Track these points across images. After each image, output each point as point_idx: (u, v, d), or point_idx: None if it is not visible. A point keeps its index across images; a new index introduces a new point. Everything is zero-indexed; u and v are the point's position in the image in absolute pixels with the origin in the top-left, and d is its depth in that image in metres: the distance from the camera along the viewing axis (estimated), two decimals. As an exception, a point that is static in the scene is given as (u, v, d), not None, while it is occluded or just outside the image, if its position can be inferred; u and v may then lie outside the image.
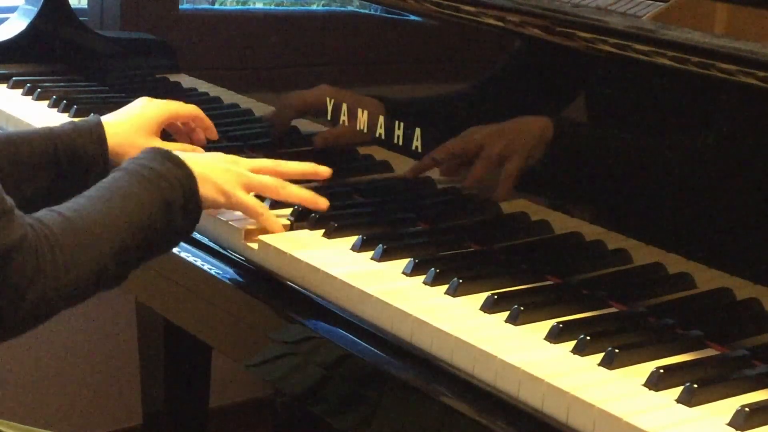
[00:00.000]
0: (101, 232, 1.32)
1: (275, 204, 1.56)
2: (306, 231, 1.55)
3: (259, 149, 1.85)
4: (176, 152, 1.46)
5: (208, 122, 1.76)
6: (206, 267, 1.54)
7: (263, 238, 1.50)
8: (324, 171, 1.60)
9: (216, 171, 1.48)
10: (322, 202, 1.55)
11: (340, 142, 1.75)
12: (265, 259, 1.50)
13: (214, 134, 1.77)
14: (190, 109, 1.74)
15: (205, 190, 1.45)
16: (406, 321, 1.31)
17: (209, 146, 1.74)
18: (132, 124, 1.67)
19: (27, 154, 1.56)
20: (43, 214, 1.31)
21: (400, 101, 1.68)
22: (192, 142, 1.74)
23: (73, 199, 1.36)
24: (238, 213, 1.53)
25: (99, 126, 1.62)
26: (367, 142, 1.70)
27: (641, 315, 1.34)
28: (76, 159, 1.59)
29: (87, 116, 1.96)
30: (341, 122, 1.72)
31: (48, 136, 1.60)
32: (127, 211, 1.35)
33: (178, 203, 1.40)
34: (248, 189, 1.52)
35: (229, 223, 1.54)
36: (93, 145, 1.60)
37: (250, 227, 1.52)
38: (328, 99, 1.75)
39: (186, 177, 1.42)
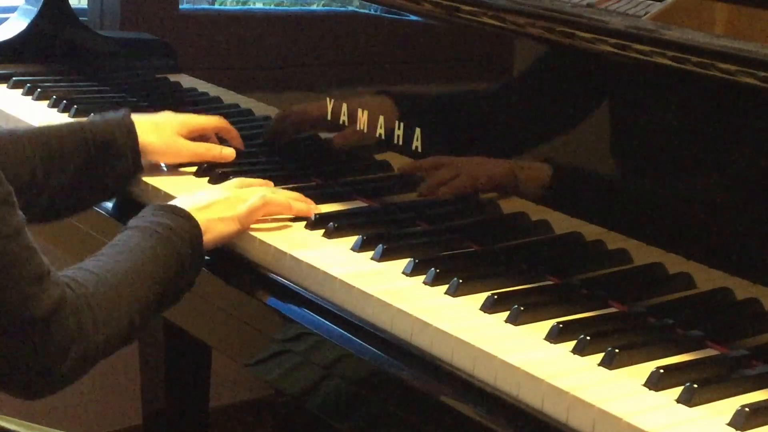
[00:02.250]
0: (128, 288, 1.36)
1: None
2: (306, 231, 1.55)
3: (260, 149, 1.85)
4: (181, 201, 1.51)
5: (234, 132, 1.80)
6: (206, 267, 1.54)
7: (263, 238, 1.50)
8: (311, 203, 1.62)
9: (218, 206, 1.51)
10: (314, 209, 1.59)
11: (351, 143, 1.75)
12: (265, 259, 1.50)
13: (240, 144, 1.80)
14: (213, 121, 1.79)
15: (214, 232, 1.49)
16: (406, 321, 1.31)
17: None
18: (159, 122, 1.71)
19: (58, 145, 1.60)
20: (74, 272, 1.34)
21: (399, 101, 1.68)
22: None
23: (92, 256, 1.39)
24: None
25: (128, 118, 1.66)
26: (372, 144, 1.70)
27: (641, 315, 1.34)
28: (106, 149, 1.62)
29: (87, 116, 1.97)
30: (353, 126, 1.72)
31: (78, 127, 1.63)
32: (147, 266, 1.39)
33: (186, 255, 1.44)
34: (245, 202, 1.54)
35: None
36: (123, 136, 1.64)
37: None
38: (327, 101, 1.75)
39: (193, 228, 1.46)
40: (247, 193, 1.56)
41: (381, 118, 1.66)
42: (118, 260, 1.38)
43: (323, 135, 1.80)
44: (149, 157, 1.70)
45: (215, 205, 1.51)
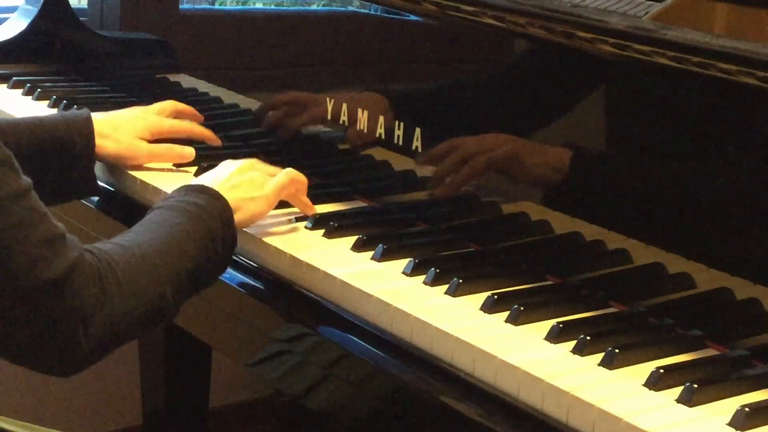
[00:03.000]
0: (157, 258, 1.31)
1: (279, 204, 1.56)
2: (306, 231, 1.55)
3: (260, 149, 1.85)
4: (207, 179, 1.48)
5: (208, 133, 1.78)
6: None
7: (263, 237, 1.50)
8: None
9: (246, 185, 1.48)
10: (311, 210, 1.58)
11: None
12: (265, 259, 1.50)
13: (216, 140, 1.78)
14: (185, 127, 1.75)
15: (244, 212, 1.46)
16: (406, 321, 1.31)
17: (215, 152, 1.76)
18: (119, 123, 1.67)
19: (14, 143, 1.55)
20: (99, 244, 1.29)
21: (399, 101, 1.68)
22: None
23: (121, 233, 1.35)
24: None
25: (87, 120, 1.63)
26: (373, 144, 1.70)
27: (641, 315, 1.34)
28: (63, 151, 1.59)
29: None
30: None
31: (37, 126, 1.59)
32: (177, 241, 1.35)
33: (218, 234, 1.40)
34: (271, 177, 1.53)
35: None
36: (81, 138, 1.61)
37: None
38: (328, 100, 1.75)
39: (223, 208, 1.42)
40: (270, 171, 1.54)
41: (381, 118, 1.66)
42: (146, 235, 1.34)
43: (323, 134, 1.80)
44: (105, 161, 1.67)
45: (243, 185, 1.48)
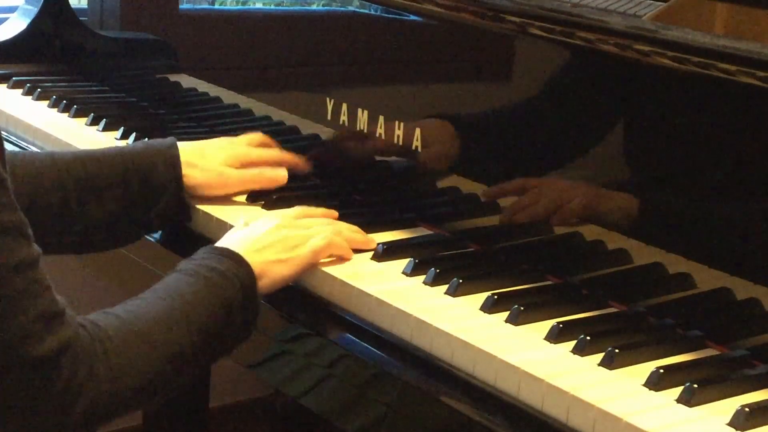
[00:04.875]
0: (159, 335, 1.26)
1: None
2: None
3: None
4: (234, 240, 1.40)
5: (297, 160, 1.68)
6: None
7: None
8: (371, 241, 1.50)
9: (273, 247, 1.40)
10: (371, 243, 1.49)
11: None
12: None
13: (305, 166, 1.69)
14: (269, 156, 1.66)
15: (271, 276, 1.38)
16: (406, 321, 1.31)
17: None
18: (207, 153, 1.60)
19: (95, 174, 1.51)
20: (97, 316, 1.25)
21: (399, 101, 1.68)
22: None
23: (130, 299, 1.29)
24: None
25: (173, 148, 1.56)
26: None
27: (641, 315, 1.34)
28: (148, 182, 1.53)
29: (87, 116, 1.97)
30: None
31: (118, 155, 1.54)
32: (187, 313, 1.28)
33: (237, 303, 1.33)
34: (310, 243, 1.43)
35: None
36: (166, 168, 1.54)
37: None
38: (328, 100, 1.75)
39: (246, 275, 1.34)
40: (308, 230, 1.44)
41: (381, 118, 1.66)
42: (152, 305, 1.28)
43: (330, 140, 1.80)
44: (194, 192, 1.58)
45: (273, 246, 1.39)
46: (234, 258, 1.35)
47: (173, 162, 1.55)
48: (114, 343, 1.22)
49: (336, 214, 1.53)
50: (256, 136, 1.69)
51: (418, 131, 1.61)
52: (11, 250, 1.15)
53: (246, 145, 1.67)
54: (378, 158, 1.70)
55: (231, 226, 1.49)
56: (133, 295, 1.31)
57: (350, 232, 1.48)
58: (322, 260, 1.44)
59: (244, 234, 1.42)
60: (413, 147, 1.61)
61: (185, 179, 1.55)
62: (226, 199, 1.62)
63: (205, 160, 1.59)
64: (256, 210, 1.60)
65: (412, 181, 1.65)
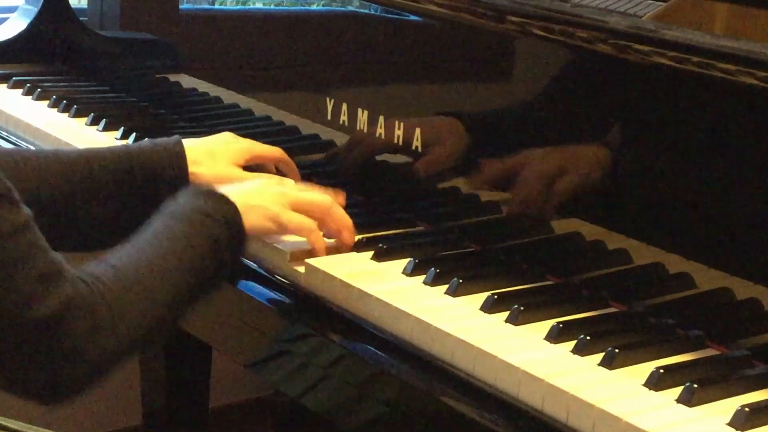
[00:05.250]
0: (154, 280, 1.28)
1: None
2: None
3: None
4: (220, 187, 1.42)
5: (292, 165, 1.68)
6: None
7: (263, 238, 1.50)
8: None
9: (261, 196, 1.44)
10: (352, 239, 1.50)
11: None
12: (264, 259, 1.50)
13: (297, 177, 1.67)
14: (274, 152, 1.67)
15: (252, 219, 1.41)
16: (406, 321, 1.31)
17: None
18: (214, 150, 1.60)
19: (100, 172, 1.51)
20: (94, 267, 1.26)
21: (399, 101, 1.68)
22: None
23: (119, 246, 1.31)
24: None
25: (179, 146, 1.56)
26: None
27: (641, 315, 1.34)
28: (154, 180, 1.53)
29: (87, 116, 1.97)
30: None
31: (124, 153, 1.54)
32: (178, 255, 1.31)
33: (224, 239, 1.36)
34: (296, 208, 1.46)
35: None
36: (172, 167, 1.54)
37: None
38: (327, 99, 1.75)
39: (231, 212, 1.38)
40: (301, 196, 1.47)
41: (381, 118, 1.66)
42: (144, 250, 1.30)
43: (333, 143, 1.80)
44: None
45: (262, 195, 1.44)
46: (216, 197, 1.38)
47: (179, 160, 1.55)
48: (114, 293, 1.24)
49: (343, 194, 1.53)
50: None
51: (418, 131, 1.61)
52: (3, 218, 1.17)
53: (250, 142, 1.67)
54: (378, 158, 1.70)
55: None
56: None
57: (341, 214, 1.49)
58: (321, 260, 1.44)
59: (232, 185, 1.45)
60: (413, 147, 1.61)
61: (191, 177, 1.56)
62: None
63: (213, 158, 1.59)
64: None
65: (412, 181, 1.65)
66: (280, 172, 1.67)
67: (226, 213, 1.37)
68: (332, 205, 1.48)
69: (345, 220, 1.49)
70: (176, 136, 1.59)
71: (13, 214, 1.18)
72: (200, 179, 1.56)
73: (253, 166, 1.64)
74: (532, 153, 1.52)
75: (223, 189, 1.41)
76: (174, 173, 1.54)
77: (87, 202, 1.50)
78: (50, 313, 1.18)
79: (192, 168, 1.56)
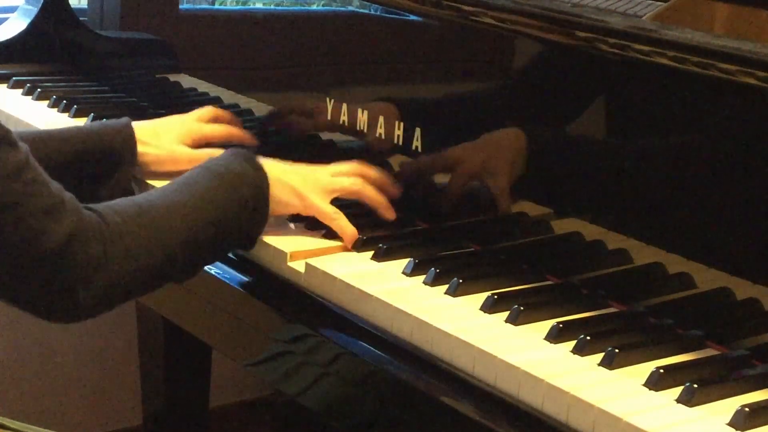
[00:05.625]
0: (172, 221, 1.35)
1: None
2: (307, 231, 1.54)
3: (259, 149, 1.84)
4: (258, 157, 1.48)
5: (246, 137, 1.76)
6: (205, 267, 1.54)
7: (263, 238, 1.50)
8: (395, 190, 1.58)
9: (293, 175, 1.49)
10: (391, 214, 1.55)
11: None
12: (264, 259, 1.50)
13: (252, 140, 1.77)
14: (220, 130, 1.75)
15: (280, 192, 1.47)
16: (406, 321, 1.31)
17: None
18: (159, 130, 1.69)
19: (56, 151, 1.58)
20: (116, 202, 1.35)
21: (399, 101, 1.68)
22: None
23: (153, 190, 1.39)
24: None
25: (128, 126, 1.65)
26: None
27: (641, 315, 1.34)
28: (105, 159, 1.61)
29: (87, 116, 1.97)
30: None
31: (77, 134, 1.62)
32: (200, 206, 1.38)
33: (250, 204, 1.42)
34: (329, 193, 1.52)
35: None
36: (122, 146, 1.63)
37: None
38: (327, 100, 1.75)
39: (260, 179, 1.44)
40: (331, 180, 1.52)
41: (381, 118, 1.66)
42: (169, 195, 1.38)
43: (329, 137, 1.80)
44: (146, 168, 1.67)
45: (293, 175, 1.49)
46: (252, 163, 1.45)
47: (129, 140, 1.64)
48: (129, 227, 1.31)
49: (371, 171, 1.56)
50: (206, 111, 1.78)
51: (418, 131, 1.61)
52: (4, 160, 1.23)
53: (197, 120, 1.75)
54: (378, 158, 1.70)
55: None
56: None
57: (371, 193, 1.54)
58: (321, 260, 1.44)
59: (281, 162, 1.51)
60: (413, 147, 1.61)
61: (139, 156, 1.65)
62: None
63: (159, 138, 1.68)
64: None
65: (412, 182, 1.65)
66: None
67: (255, 179, 1.44)
68: (362, 186, 1.54)
69: (377, 198, 1.54)
70: (126, 118, 1.68)
71: (13, 155, 1.24)
72: (147, 158, 1.66)
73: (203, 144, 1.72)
74: (531, 153, 1.52)
75: (265, 161, 1.47)
76: (123, 152, 1.63)
77: None
78: (58, 243, 1.25)
79: (140, 148, 1.65)
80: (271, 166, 1.47)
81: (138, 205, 1.34)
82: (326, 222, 1.51)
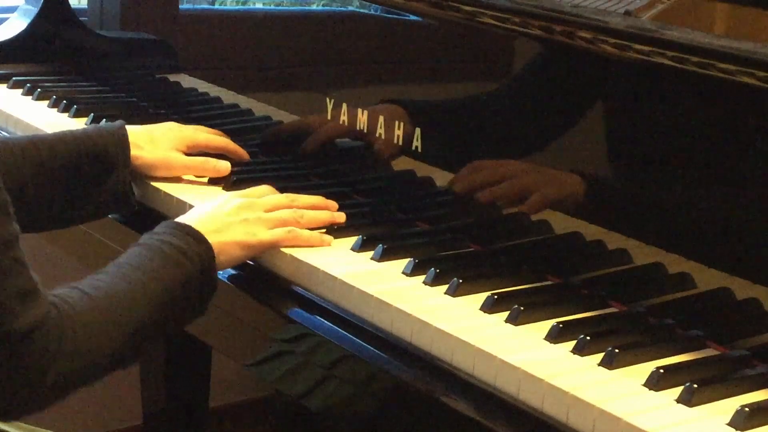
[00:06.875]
0: (123, 312, 1.31)
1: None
2: (306, 231, 1.54)
3: (259, 149, 1.85)
4: (196, 218, 1.45)
5: (241, 152, 1.76)
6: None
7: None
8: (332, 205, 1.57)
9: (233, 229, 1.45)
10: (339, 217, 1.55)
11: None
12: (265, 259, 1.50)
13: (245, 155, 1.76)
14: (217, 140, 1.75)
15: (227, 256, 1.44)
16: (406, 321, 1.31)
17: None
18: (155, 135, 1.68)
19: (49, 157, 1.57)
20: (68, 291, 1.30)
21: (399, 101, 1.68)
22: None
23: (95, 274, 1.35)
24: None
25: (122, 129, 1.63)
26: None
27: (641, 315, 1.34)
28: (99, 163, 1.59)
29: (87, 116, 1.98)
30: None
31: (70, 138, 1.60)
32: (149, 290, 1.34)
33: (195, 283, 1.38)
34: (267, 209, 1.50)
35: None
36: (116, 150, 1.61)
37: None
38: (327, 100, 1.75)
39: (205, 252, 1.40)
40: (269, 215, 1.49)
41: (381, 118, 1.66)
42: (117, 280, 1.33)
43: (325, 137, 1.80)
44: (140, 171, 1.66)
45: (233, 228, 1.45)
46: (195, 236, 1.41)
47: (122, 143, 1.63)
48: (81, 320, 1.27)
49: (299, 200, 1.55)
50: (203, 128, 1.78)
51: (418, 131, 1.61)
52: None
53: (193, 130, 1.74)
54: (378, 159, 1.70)
55: (191, 206, 1.55)
56: (96, 268, 1.37)
57: (313, 215, 1.52)
58: (322, 260, 1.44)
59: (206, 212, 1.47)
60: (413, 147, 1.61)
61: (133, 160, 1.63)
62: (188, 180, 1.70)
63: (153, 143, 1.67)
64: (217, 191, 1.67)
65: (412, 181, 1.65)
66: (224, 157, 1.73)
67: (201, 253, 1.40)
68: (299, 216, 1.51)
69: (319, 217, 1.53)
70: (120, 121, 1.66)
71: (7, 227, 1.22)
72: (139, 161, 1.64)
73: (196, 153, 1.72)
74: (531, 153, 1.53)
75: (199, 222, 1.43)
76: (117, 156, 1.61)
77: (37, 188, 1.56)
78: (22, 328, 1.21)
79: (134, 151, 1.63)
80: (212, 231, 1.42)
81: (90, 297, 1.29)
82: (286, 245, 1.48)
